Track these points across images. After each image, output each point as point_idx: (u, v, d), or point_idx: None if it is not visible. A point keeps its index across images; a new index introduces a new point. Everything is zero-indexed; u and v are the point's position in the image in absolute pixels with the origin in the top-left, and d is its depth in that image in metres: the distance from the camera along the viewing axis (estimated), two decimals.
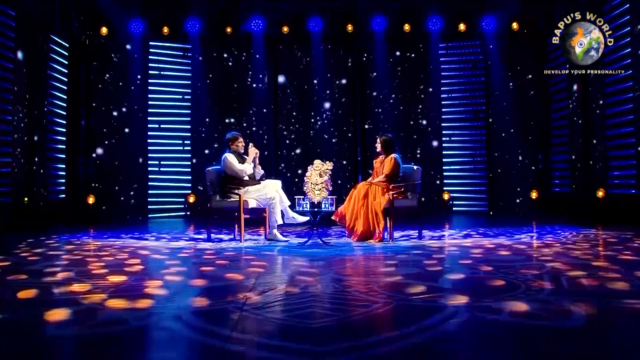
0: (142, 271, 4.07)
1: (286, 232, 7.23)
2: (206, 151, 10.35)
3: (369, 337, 2.33)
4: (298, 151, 10.56)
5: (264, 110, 10.52)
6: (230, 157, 6.38)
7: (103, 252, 5.28)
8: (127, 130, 10.17)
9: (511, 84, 10.34)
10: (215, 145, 10.27)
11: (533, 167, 10.26)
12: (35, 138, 8.29)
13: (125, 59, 10.18)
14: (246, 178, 6.36)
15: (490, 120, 10.45)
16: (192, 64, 10.48)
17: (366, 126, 10.53)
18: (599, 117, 8.38)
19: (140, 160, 10.26)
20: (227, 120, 10.50)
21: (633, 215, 7.42)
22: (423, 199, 6.90)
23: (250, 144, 6.55)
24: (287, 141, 10.59)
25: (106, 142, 10.09)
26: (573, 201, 9.06)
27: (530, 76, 10.28)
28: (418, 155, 10.32)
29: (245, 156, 6.63)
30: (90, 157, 9.94)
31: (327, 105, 10.59)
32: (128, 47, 10.17)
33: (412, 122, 10.55)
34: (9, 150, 7.60)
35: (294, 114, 10.64)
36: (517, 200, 10.23)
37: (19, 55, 7.87)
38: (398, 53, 10.63)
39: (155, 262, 4.59)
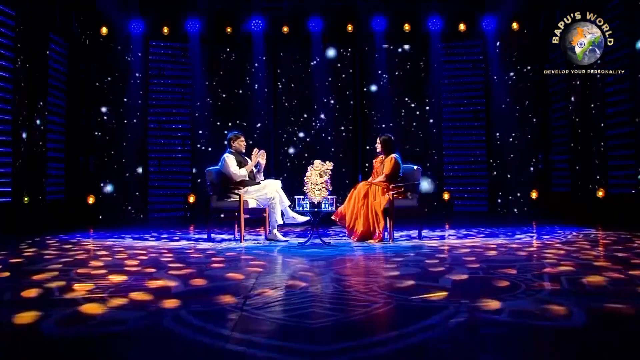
0: (142, 271, 4.07)
1: (286, 232, 7.23)
2: (206, 151, 10.34)
3: (369, 337, 2.33)
4: (298, 151, 10.55)
5: (264, 110, 10.51)
6: (228, 159, 6.34)
7: (103, 252, 5.28)
8: (127, 130, 10.16)
9: (511, 84, 10.33)
10: (216, 145, 10.26)
11: (533, 167, 10.26)
12: (35, 138, 8.28)
13: (125, 59, 10.18)
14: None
15: (490, 120, 10.45)
16: (192, 63, 10.47)
17: (366, 126, 10.52)
18: (599, 117, 8.38)
19: (140, 160, 10.25)
20: (227, 120, 10.48)
21: (633, 215, 7.43)
22: (423, 199, 6.90)
23: (256, 150, 6.48)
24: (287, 141, 10.58)
25: (106, 142, 10.08)
26: (573, 201, 9.06)
27: (530, 76, 10.27)
28: (418, 155, 10.30)
29: (245, 157, 6.62)
30: (90, 157, 9.93)
31: (327, 104, 10.59)
32: (128, 47, 10.16)
33: (412, 122, 10.55)
34: (8, 150, 7.60)
35: (294, 113, 10.63)
36: (517, 200, 10.22)
37: (19, 55, 7.86)
38: (398, 53, 10.63)
39: (155, 262, 4.59)
